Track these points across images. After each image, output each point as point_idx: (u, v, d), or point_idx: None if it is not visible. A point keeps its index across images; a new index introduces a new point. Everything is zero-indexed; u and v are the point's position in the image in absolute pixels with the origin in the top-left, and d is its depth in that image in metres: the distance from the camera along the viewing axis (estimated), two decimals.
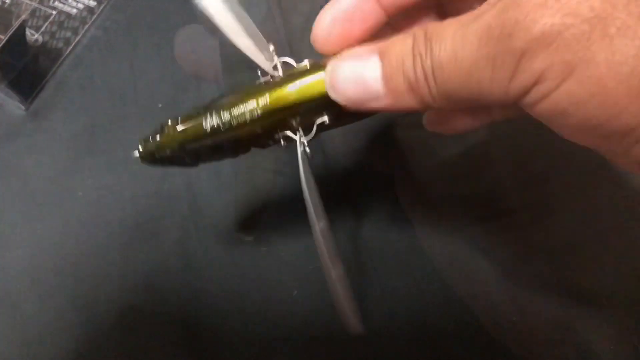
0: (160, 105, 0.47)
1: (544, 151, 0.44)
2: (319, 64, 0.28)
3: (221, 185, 0.44)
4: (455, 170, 0.44)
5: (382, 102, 0.25)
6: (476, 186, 0.44)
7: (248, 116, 0.29)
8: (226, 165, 0.44)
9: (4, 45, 0.43)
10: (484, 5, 0.22)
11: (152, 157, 0.32)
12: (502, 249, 0.40)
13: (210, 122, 0.29)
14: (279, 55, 0.30)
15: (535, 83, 0.21)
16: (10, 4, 0.49)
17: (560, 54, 0.20)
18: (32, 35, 0.48)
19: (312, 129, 0.29)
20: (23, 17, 0.45)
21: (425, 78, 0.23)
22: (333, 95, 0.26)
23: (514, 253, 0.39)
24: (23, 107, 0.47)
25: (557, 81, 0.21)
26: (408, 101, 0.24)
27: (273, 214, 0.44)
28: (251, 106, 0.28)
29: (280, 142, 0.30)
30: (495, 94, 0.22)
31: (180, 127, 0.30)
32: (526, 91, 0.22)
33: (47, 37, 0.49)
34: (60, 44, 0.49)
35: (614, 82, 0.20)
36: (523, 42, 0.20)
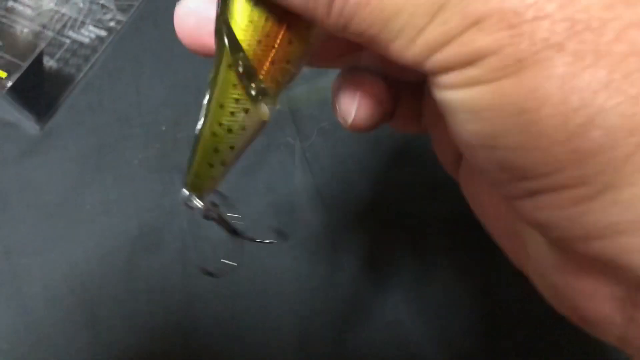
0: (163, 128, 0.50)
1: None
2: None
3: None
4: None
5: None
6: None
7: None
8: (223, 183, 0.47)
9: (24, 72, 0.47)
10: None
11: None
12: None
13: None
14: None
15: (466, 63, 0.17)
16: (29, 33, 0.53)
17: (519, 45, 0.16)
18: (48, 62, 0.52)
19: None
20: (42, 47, 0.48)
21: None
22: None
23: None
24: (38, 127, 0.50)
25: (495, 74, 0.17)
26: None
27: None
28: None
29: None
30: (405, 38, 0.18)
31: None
32: (448, 66, 0.18)
33: (61, 64, 0.53)
34: (73, 70, 0.53)
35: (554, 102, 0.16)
36: (483, 9, 0.16)
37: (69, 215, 0.48)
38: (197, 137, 0.25)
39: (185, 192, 0.27)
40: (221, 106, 0.23)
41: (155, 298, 0.44)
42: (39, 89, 0.51)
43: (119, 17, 0.55)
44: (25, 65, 0.48)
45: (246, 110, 0.23)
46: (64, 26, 0.54)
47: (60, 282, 0.45)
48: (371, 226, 0.47)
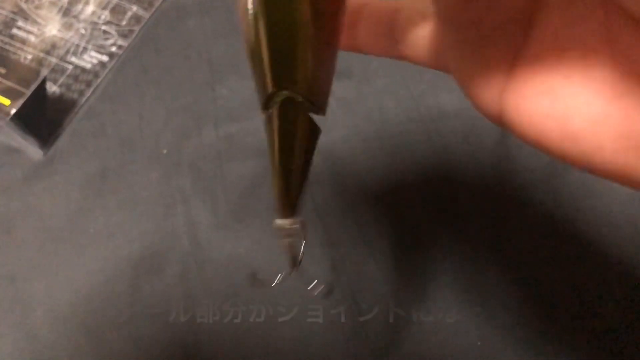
0: (165, 152, 0.51)
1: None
2: None
3: (219, 223, 0.47)
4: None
5: None
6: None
7: None
8: (222, 204, 0.48)
9: (27, 100, 0.47)
10: None
11: None
12: None
13: None
14: None
15: None
16: (32, 60, 0.53)
17: None
18: (50, 88, 0.52)
19: None
20: (45, 73, 0.49)
21: None
22: None
23: None
24: (42, 153, 0.51)
25: None
26: None
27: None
28: None
29: None
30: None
31: None
32: None
33: (63, 89, 0.53)
34: (75, 96, 0.53)
35: None
36: None
37: (73, 240, 0.48)
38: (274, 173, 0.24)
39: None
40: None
41: (158, 321, 0.45)
42: (42, 115, 0.51)
43: (120, 42, 0.56)
44: (28, 92, 0.48)
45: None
46: (67, 52, 0.55)
47: (65, 307, 0.45)
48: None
